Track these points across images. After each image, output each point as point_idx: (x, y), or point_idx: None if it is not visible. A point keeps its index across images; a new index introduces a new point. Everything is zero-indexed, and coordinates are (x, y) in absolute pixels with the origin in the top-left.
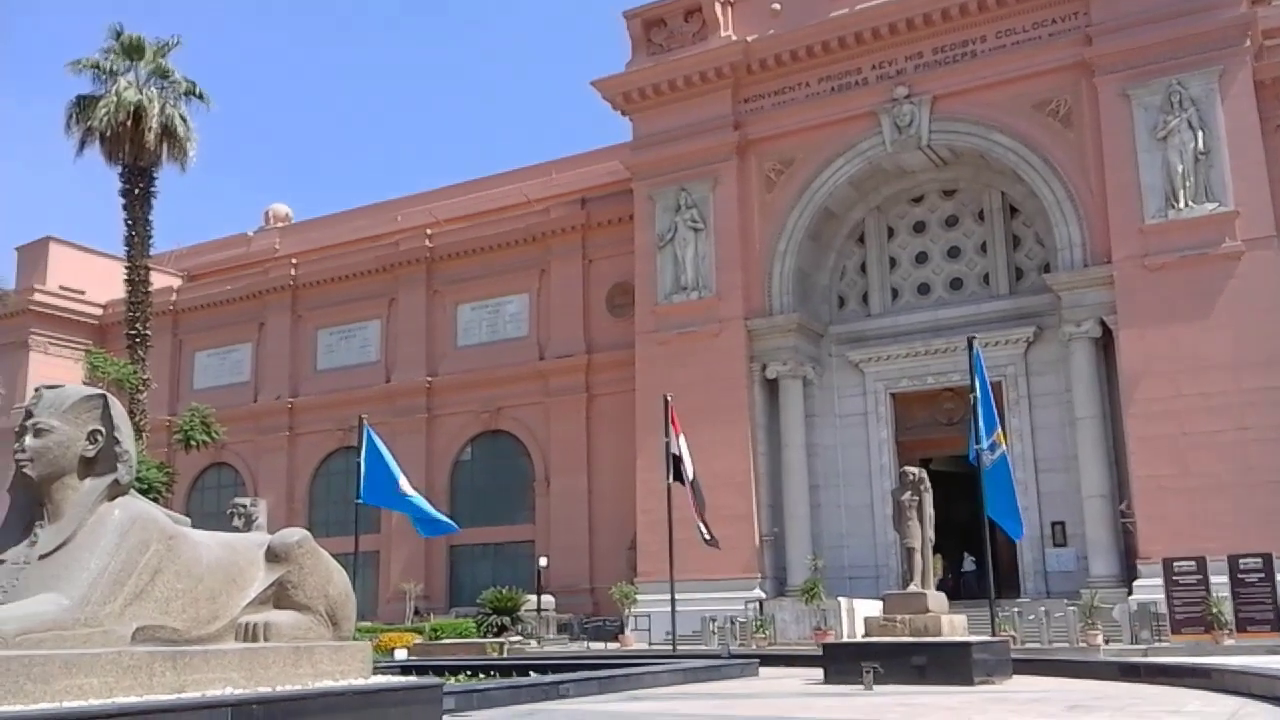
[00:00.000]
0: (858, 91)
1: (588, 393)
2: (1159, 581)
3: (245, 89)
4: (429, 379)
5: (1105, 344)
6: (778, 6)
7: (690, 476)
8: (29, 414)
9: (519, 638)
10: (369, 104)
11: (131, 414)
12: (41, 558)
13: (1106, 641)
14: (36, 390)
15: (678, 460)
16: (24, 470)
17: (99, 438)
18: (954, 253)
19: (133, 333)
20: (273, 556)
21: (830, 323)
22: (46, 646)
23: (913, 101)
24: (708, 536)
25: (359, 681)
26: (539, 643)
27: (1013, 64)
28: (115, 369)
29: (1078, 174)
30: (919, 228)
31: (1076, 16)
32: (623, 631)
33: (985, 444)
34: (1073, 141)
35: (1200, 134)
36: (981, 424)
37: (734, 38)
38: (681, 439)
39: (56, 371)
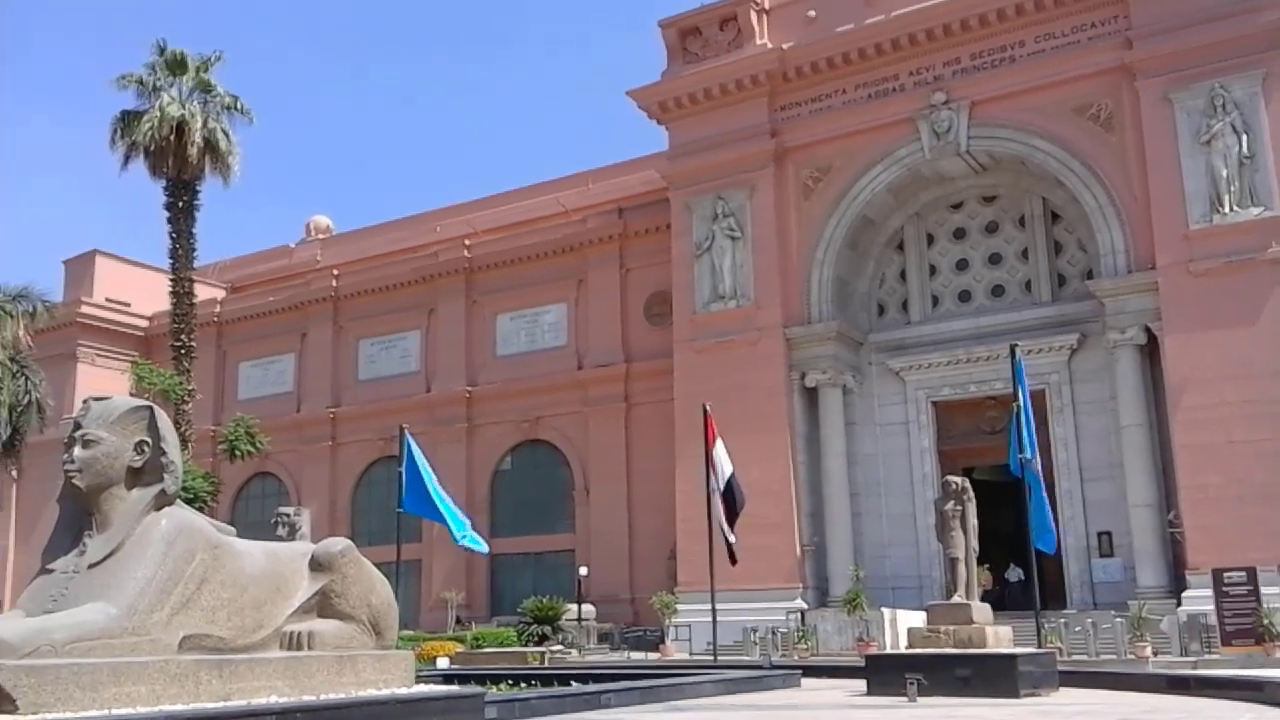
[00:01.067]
0: (895, 98)
1: (626, 402)
2: (1208, 592)
3: (285, 102)
4: (469, 389)
5: (1150, 351)
6: (813, 14)
7: (727, 480)
8: (77, 425)
9: (560, 647)
10: (407, 116)
11: (177, 425)
12: (90, 567)
13: (1155, 653)
14: (85, 402)
15: (716, 468)
16: (73, 481)
17: (146, 448)
18: (995, 259)
19: (178, 344)
20: (316, 566)
21: (870, 331)
22: (95, 655)
23: (951, 107)
24: (732, 539)
25: (402, 690)
26: (580, 652)
27: (1052, 68)
28: (161, 380)
29: (1120, 179)
30: (959, 234)
31: (1117, 20)
32: (663, 641)
33: (1030, 453)
34: (1114, 146)
35: (1244, 138)
36: (1025, 433)
37: (769, 45)
38: (720, 447)
39: (103, 383)
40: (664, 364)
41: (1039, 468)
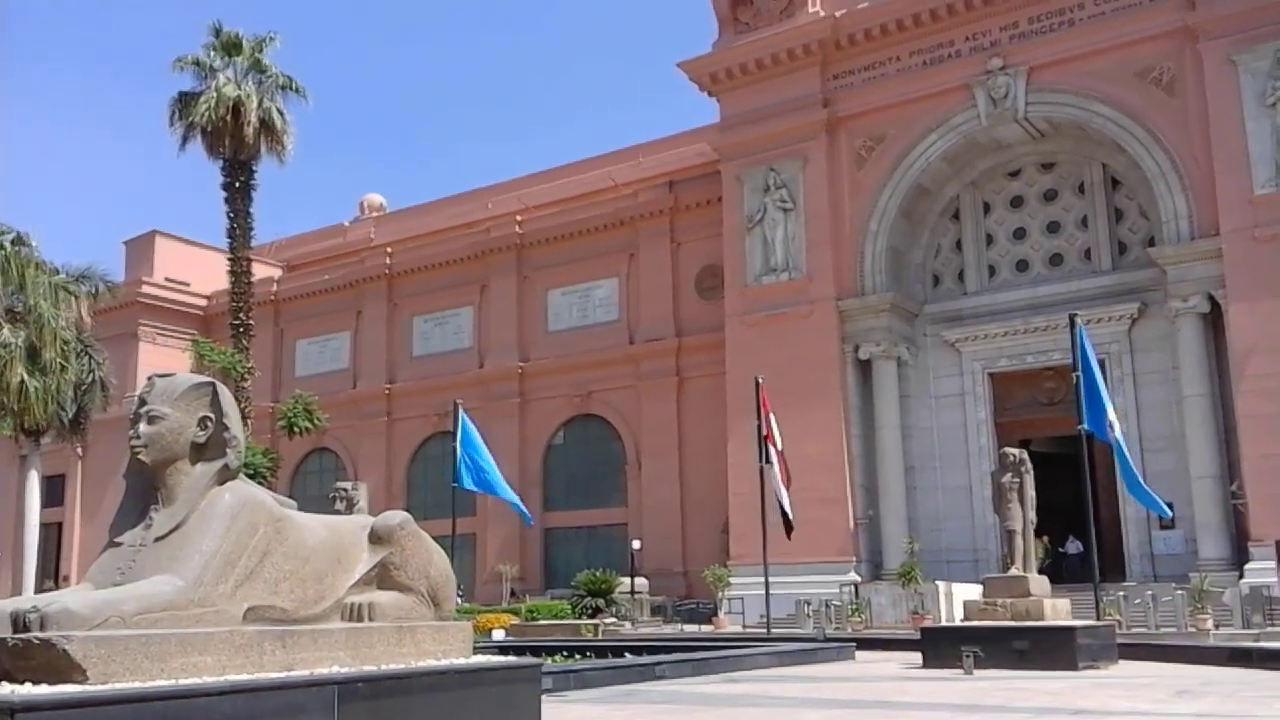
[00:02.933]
0: (951, 64)
1: (678, 375)
2: (1271, 564)
3: (339, 81)
4: (521, 364)
5: (1214, 319)
6: None
7: (778, 451)
8: (142, 401)
9: (613, 620)
10: (458, 93)
11: (237, 401)
12: (156, 540)
13: (1216, 626)
14: (149, 379)
15: (769, 441)
16: (139, 456)
17: (209, 424)
18: (1053, 228)
19: (236, 322)
20: (375, 539)
21: (925, 302)
22: (163, 625)
23: (1008, 73)
24: (789, 511)
25: (460, 661)
26: (633, 625)
27: (1112, 32)
28: (221, 358)
29: (1183, 144)
30: (1016, 202)
31: None
32: (716, 614)
33: (1110, 419)
34: (1177, 110)
35: None
36: (1105, 399)
37: (821, 13)
38: (773, 420)
39: (165, 361)
40: (716, 338)
41: (1119, 434)
